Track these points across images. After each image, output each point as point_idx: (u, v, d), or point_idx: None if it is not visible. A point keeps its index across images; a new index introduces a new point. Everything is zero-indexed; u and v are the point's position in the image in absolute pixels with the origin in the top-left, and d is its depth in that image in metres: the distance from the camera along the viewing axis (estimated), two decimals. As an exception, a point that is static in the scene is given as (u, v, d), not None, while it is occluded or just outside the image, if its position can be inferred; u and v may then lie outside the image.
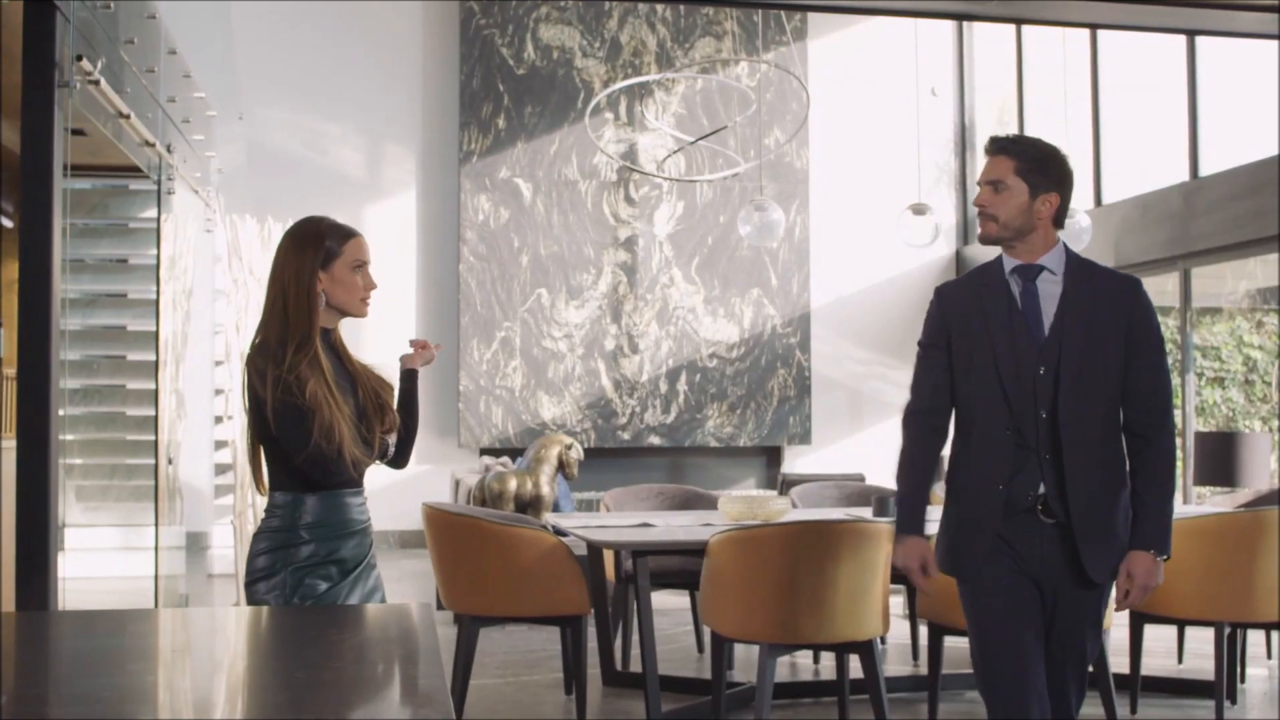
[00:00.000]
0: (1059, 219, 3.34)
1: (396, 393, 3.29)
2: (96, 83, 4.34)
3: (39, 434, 4.04)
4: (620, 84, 9.20)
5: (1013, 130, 11.97)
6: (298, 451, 2.97)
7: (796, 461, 12.24)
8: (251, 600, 3.02)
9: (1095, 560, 3.22)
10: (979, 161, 12.57)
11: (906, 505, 3.46)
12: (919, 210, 9.16)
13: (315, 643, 2.02)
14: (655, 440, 11.91)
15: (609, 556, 5.90)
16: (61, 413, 9.21)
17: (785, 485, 7.34)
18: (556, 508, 8.17)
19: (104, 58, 4.56)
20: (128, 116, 4.80)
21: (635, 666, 6.05)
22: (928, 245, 9.49)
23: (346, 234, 3.17)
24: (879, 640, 4.91)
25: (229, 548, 9.00)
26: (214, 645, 2.12)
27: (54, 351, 4.08)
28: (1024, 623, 3.25)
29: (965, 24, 12.47)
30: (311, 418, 2.95)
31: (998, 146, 3.33)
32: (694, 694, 5.70)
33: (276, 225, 7.40)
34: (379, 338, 11.91)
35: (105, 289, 8.80)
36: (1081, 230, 8.12)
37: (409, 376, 3.28)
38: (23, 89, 4.07)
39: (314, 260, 3.10)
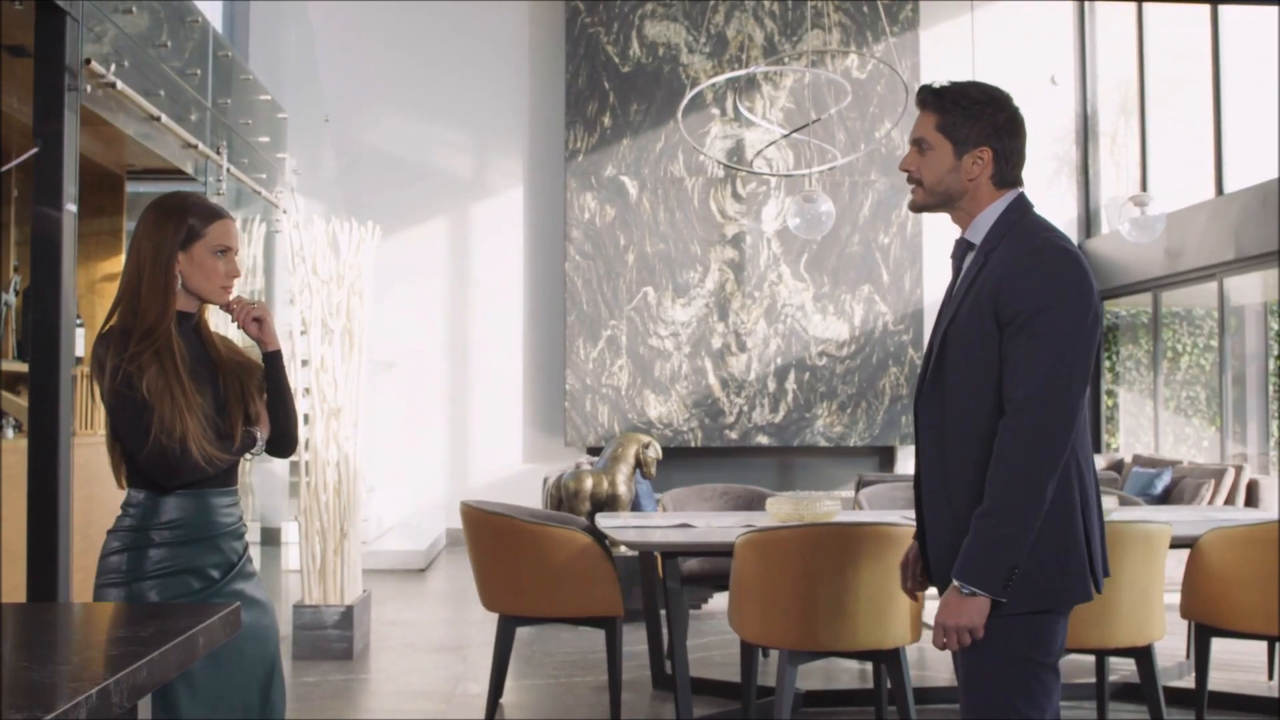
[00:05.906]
0: (1002, 177, 2.76)
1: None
2: (112, 85, 4.40)
3: (48, 428, 4.11)
4: (717, 78, 9.07)
5: (1134, 119, 11.47)
6: (138, 449, 2.70)
7: (909, 462, 11.93)
8: None
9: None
10: (1102, 152, 12.07)
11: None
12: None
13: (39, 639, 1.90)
14: (763, 440, 11.73)
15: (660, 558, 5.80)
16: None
17: (861, 486, 7.14)
18: (637, 506, 8.06)
19: (126, 60, 4.63)
20: (157, 118, 4.86)
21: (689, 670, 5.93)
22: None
23: (214, 214, 2.86)
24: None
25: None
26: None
27: (63, 348, 4.15)
28: None
29: (1086, 7, 11.98)
30: (150, 413, 2.68)
31: (920, 99, 2.81)
32: (738, 698, 5.56)
33: (359, 227, 7.44)
34: (488, 338, 12.03)
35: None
36: (1154, 220, 7.24)
37: (269, 360, 2.94)
38: (34, 92, 4.14)
39: (174, 238, 2.80)
